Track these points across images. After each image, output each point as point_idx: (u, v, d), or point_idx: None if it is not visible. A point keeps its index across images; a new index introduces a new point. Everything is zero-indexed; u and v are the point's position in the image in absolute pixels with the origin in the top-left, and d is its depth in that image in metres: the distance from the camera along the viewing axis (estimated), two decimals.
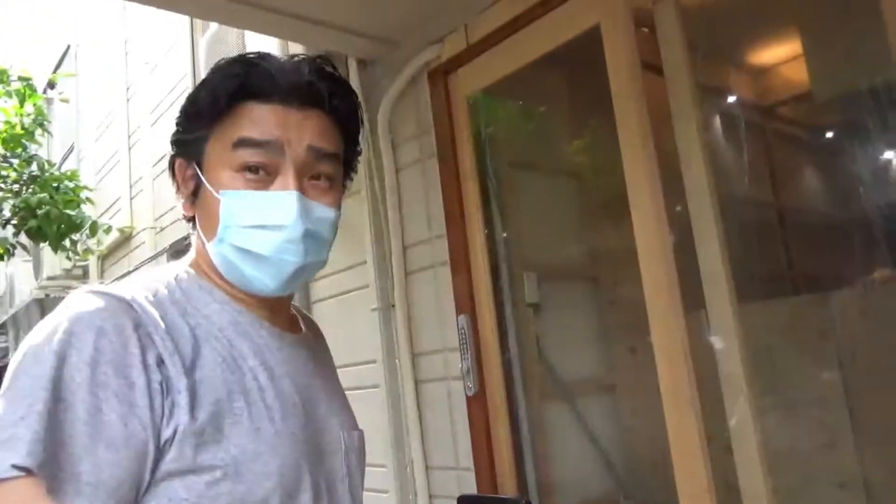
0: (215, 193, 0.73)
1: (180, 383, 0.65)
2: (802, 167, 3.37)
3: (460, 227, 1.95)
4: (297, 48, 2.23)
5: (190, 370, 0.66)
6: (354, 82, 2.21)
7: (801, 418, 1.86)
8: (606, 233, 2.40)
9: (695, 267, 1.54)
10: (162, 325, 0.67)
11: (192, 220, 0.81)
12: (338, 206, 0.79)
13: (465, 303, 1.92)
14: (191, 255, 0.82)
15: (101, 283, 0.70)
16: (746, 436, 1.44)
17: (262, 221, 0.72)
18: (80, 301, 0.65)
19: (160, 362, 0.65)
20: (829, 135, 3.35)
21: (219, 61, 0.76)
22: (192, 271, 0.78)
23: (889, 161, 2.19)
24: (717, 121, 3.21)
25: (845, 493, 1.78)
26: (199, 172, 0.76)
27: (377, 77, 2.23)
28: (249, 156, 0.73)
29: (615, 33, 1.65)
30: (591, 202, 2.51)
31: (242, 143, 0.73)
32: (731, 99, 3.27)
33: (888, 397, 1.77)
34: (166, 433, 0.63)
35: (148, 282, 0.73)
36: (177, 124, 0.79)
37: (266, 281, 0.75)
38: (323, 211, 0.76)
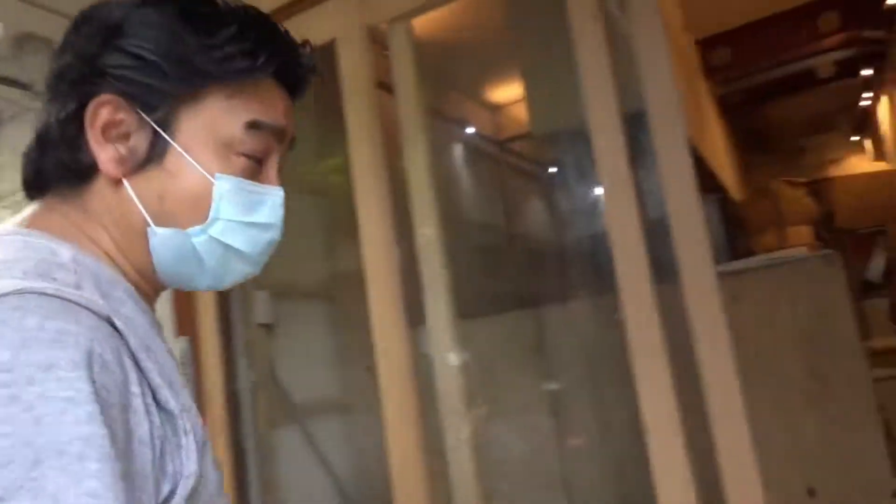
0: (208, 175, 0.58)
1: (187, 423, 0.51)
2: (529, 197, 3.72)
3: None
4: None
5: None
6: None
7: (515, 427, 2.01)
8: (345, 252, 2.38)
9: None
10: (144, 346, 0.51)
11: (84, 175, 0.58)
12: None
13: (187, 324, 1.76)
14: (47, 218, 0.58)
15: None
16: (461, 448, 1.50)
17: (254, 218, 0.61)
18: (31, 314, 0.44)
19: (154, 397, 0.50)
20: (552, 170, 3.76)
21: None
22: (84, 252, 0.55)
23: (592, 195, 2.48)
24: (457, 150, 3.45)
25: (549, 493, 1.94)
26: (169, 137, 0.57)
27: None
28: (258, 142, 0.60)
29: (350, 49, 1.65)
30: (331, 221, 2.48)
31: (258, 126, 0.60)
32: (470, 131, 3.55)
33: (586, 404, 1.98)
34: (163, 491, 0.48)
35: (44, 267, 0.50)
36: (134, 54, 0.56)
37: (228, 278, 0.63)
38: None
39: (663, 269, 1.37)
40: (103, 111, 0.55)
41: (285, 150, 0.65)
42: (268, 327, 2.05)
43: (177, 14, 0.57)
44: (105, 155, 0.56)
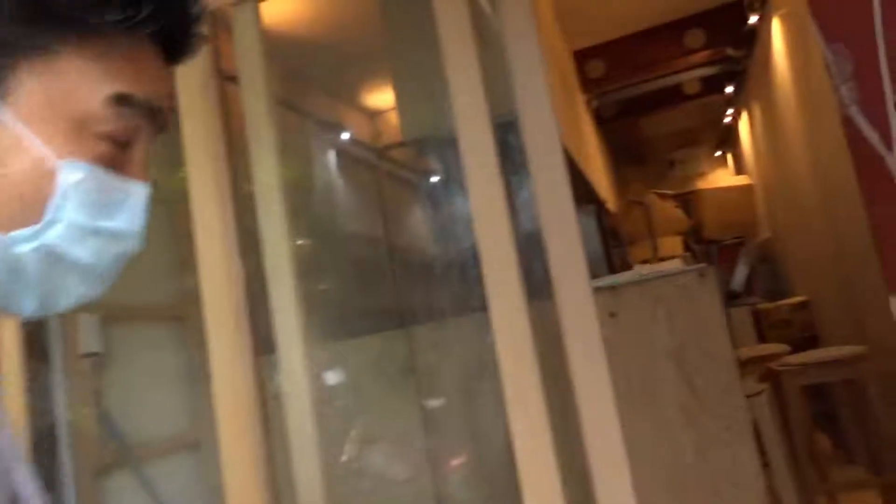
0: (51, 159, 0.43)
1: None
2: (408, 208, 3.58)
3: None
4: None
5: None
6: None
7: (385, 456, 1.83)
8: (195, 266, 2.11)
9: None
10: None
11: None
12: None
13: None
14: None
15: None
16: (313, 484, 1.32)
17: (101, 221, 0.46)
18: None
19: None
20: (433, 179, 3.65)
21: None
22: None
23: (468, 207, 2.38)
24: (332, 157, 3.24)
25: None
26: None
27: None
28: (124, 122, 0.46)
29: None
30: (183, 232, 2.21)
31: (126, 100, 0.46)
32: (345, 136, 3.35)
33: (459, 427, 1.84)
34: None
35: None
36: None
37: (61, 300, 0.48)
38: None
39: (537, 284, 1.27)
40: None
41: (157, 133, 0.51)
42: (95, 357, 1.76)
43: None
44: None
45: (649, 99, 4.32)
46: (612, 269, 3.21)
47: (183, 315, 2.15)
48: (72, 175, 0.44)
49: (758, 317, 3.52)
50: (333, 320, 2.23)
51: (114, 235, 0.47)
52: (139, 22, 0.45)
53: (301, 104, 2.70)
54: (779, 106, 3.38)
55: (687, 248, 3.95)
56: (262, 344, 1.38)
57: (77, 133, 0.45)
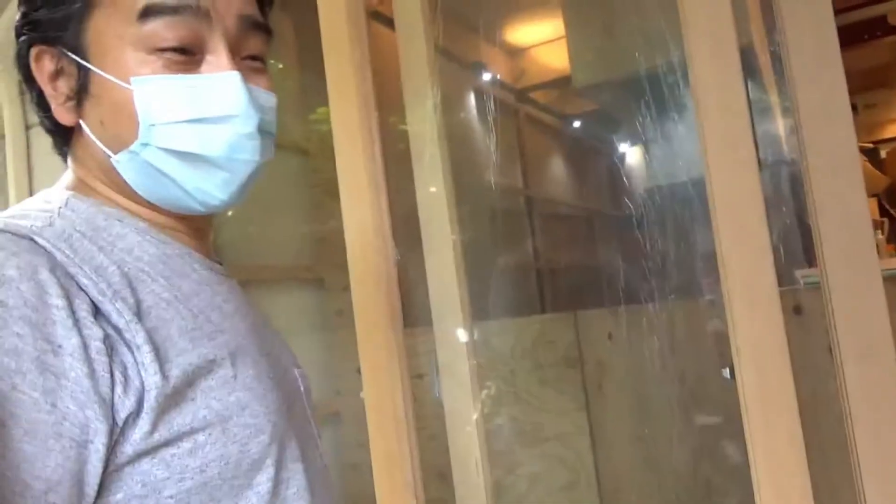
0: (123, 84, 0.52)
1: (137, 336, 0.47)
2: (584, 160, 3.23)
3: None
4: None
5: (140, 317, 0.49)
6: None
7: (541, 456, 1.60)
8: (337, 223, 1.93)
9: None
10: (86, 262, 0.49)
11: (68, 131, 0.58)
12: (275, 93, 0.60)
13: None
14: (67, 177, 0.59)
15: None
16: (470, 473, 1.13)
17: (201, 113, 0.53)
18: None
19: (96, 312, 0.47)
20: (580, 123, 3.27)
21: None
22: (82, 197, 0.55)
23: (645, 156, 2.01)
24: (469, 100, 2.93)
25: None
26: (84, 61, 0.53)
27: None
28: (164, 28, 0.52)
29: None
30: (321, 185, 2.04)
31: (152, 10, 0.52)
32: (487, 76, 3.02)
33: (630, 431, 1.56)
34: (126, 406, 0.46)
35: (26, 212, 0.51)
36: None
37: (214, 191, 0.56)
38: (267, 98, 0.59)
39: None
40: (41, 62, 0.55)
41: (240, 30, 0.56)
42: None
43: None
44: (55, 103, 0.55)
45: (847, 31, 3.64)
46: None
47: (321, 276, 1.98)
48: (144, 88, 0.52)
49: None
50: (497, 298, 1.98)
51: (215, 121, 0.53)
52: None
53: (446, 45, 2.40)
54: None
55: (883, 212, 3.35)
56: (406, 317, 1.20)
57: (140, 55, 0.52)
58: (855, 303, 0.89)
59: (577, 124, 3.29)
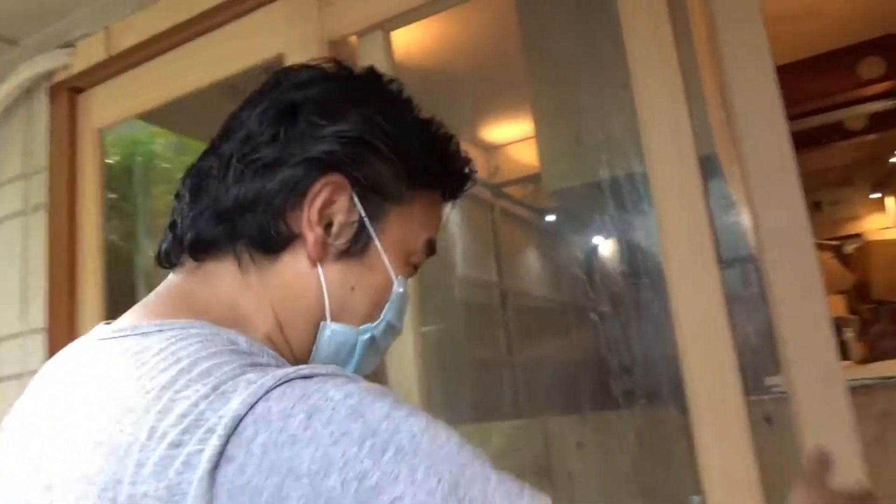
0: (392, 273, 0.57)
1: None
2: (529, 248, 3.26)
3: (67, 319, 1.31)
4: None
5: None
6: None
7: None
8: None
9: None
10: None
11: (277, 248, 0.54)
12: None
13: None
14: (222, 302, 0.52)
15: None
16: None
17: (399, 320, 0.60)
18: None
19: None
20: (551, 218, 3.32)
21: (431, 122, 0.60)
22: (267, 348, 0.48)
23: (617, 252, 2.02)
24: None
25: None
26: (374, 232, 0.55)
27: None
28: (424, 256, 0.61)
29: None
30: None
31: (432, 243, 0.61)
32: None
33: None
34: None
35: (244, 356, 0.44)
36: (377, 146, 0.54)
37: (360, 372, 0.60)
38: None
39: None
40: (326, 191, 0.52)
41: None
42: None
43: (420, 120, 0.59)
44: (314, 234, 0.53)
45: (806, 135, 3.80)
46: None
47: None
48: (399, 288, 0.58)
49: None
50: (463, 398, 1.93)
51: (398, 331, 0.61)
52: (461, 188, 0.63)
53: None
54: None
55: (851, 309, 3.39)
56: None
57: (404, 259, 0.59)
58: (818, 409, 0.86)
59: (550, 218, 3.34)
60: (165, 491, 0.34)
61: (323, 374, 0.39)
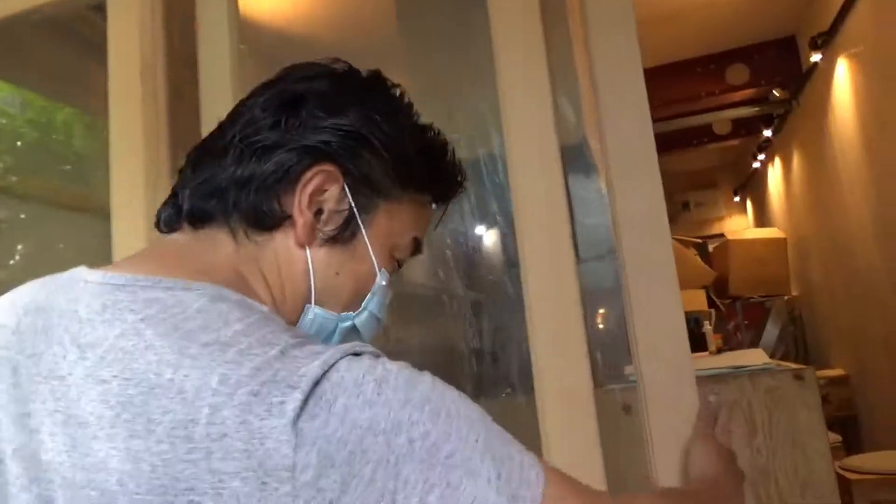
0: (376, 264, 0.60)
1: None
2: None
3: None
4: None
5: None
6: None
7: None
8: None
9: None
10: None
11: (271, 226, 0.57)
12: None
13: None
14: (228, 273, 0.54)
15: None
16: None
17: (382, 313, 0.63)
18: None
19: None
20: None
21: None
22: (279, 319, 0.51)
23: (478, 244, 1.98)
24: None
25: None
26: (362, 224, 0.59)
27: None
28: (409, 253, 0.64)
29: (122, 17, 1.04)
30: None
31: (418, 242, 0.64)
32: None
33: None
34: None
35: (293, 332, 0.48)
36: (375, 145, 0.57)
37: None
38: None
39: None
40: (318, 178, 0.55)
41: None
42: None
43: (417, 125, 0.62)
44: (304, 218, 0.56)
45: (676, 136, 3.97)
46: None
47: None
48: (381, 280, 0.61)
49: None
50: None
51: (380, 321, 0.63)
52: (453, 194, 0.66)
53: None
54: (832, 154, 3.03)
55: (710, 303, 3.57)
56: None
57: (389, 254, 0.62)
58: (667, 397, 0.84)
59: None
60: (246, 432, 0.38)
61: (370, 352, 0.45)
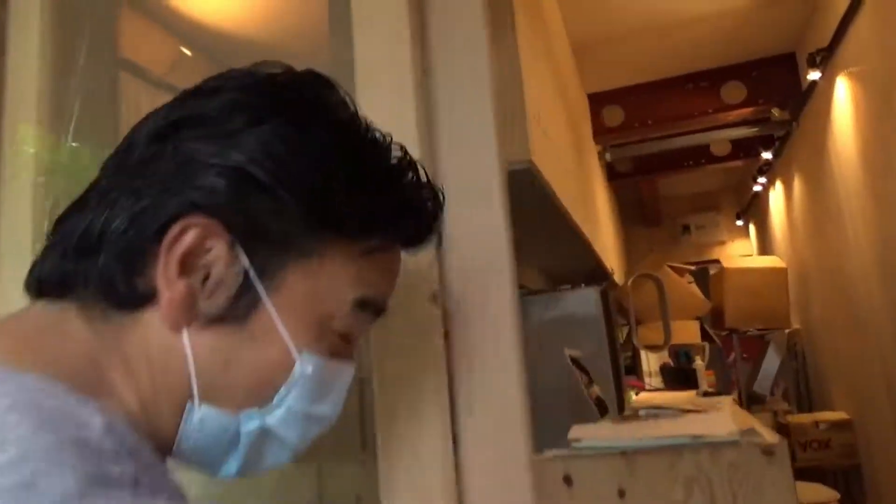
0: (294, 351, 0.46)
1: None
2: None
3: None
4: None
5: None
6: None
7: None
8: None
9: None
10: None
11: (133, 306, 0.45)
12: None
13: None
14: (73, 363, 0.42)
15: None
16: None
17: (314, 406, 0.48)
18: None
19: None
20: None
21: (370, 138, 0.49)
22: (112, 415, 0.38)
23: None
24: None
25: None
26: (263, 290, 0.45)
27: None
28: (359, 322, 0.49)
29: None
30: None
31: (366, 304, 0.49)
32: None
33: None
34: None
35: (80, 456, 0.34)
36: (263, 181, 0.44)
37: (250, 469, 0.49)
38: None
39: None
40: (189, 236, 0.42)
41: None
42: None
43: (358, 142, 0.48)
44: (172, 293, 0.43)
45: (672, 157, 3.76)
46: (616, 358, 2.60)
47: None
48: (306, 368, 0.46)
49: (785, 431, 2.90)
50: None
51: (319, 419, 0.50)
52: (411, 238, 0.51)
53: None
54: (833, 180, 2.82)
55: (704, 335, 3.35)
56: None
57: (318, 328, 0.47)
58: None
59: None
60: None
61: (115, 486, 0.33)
